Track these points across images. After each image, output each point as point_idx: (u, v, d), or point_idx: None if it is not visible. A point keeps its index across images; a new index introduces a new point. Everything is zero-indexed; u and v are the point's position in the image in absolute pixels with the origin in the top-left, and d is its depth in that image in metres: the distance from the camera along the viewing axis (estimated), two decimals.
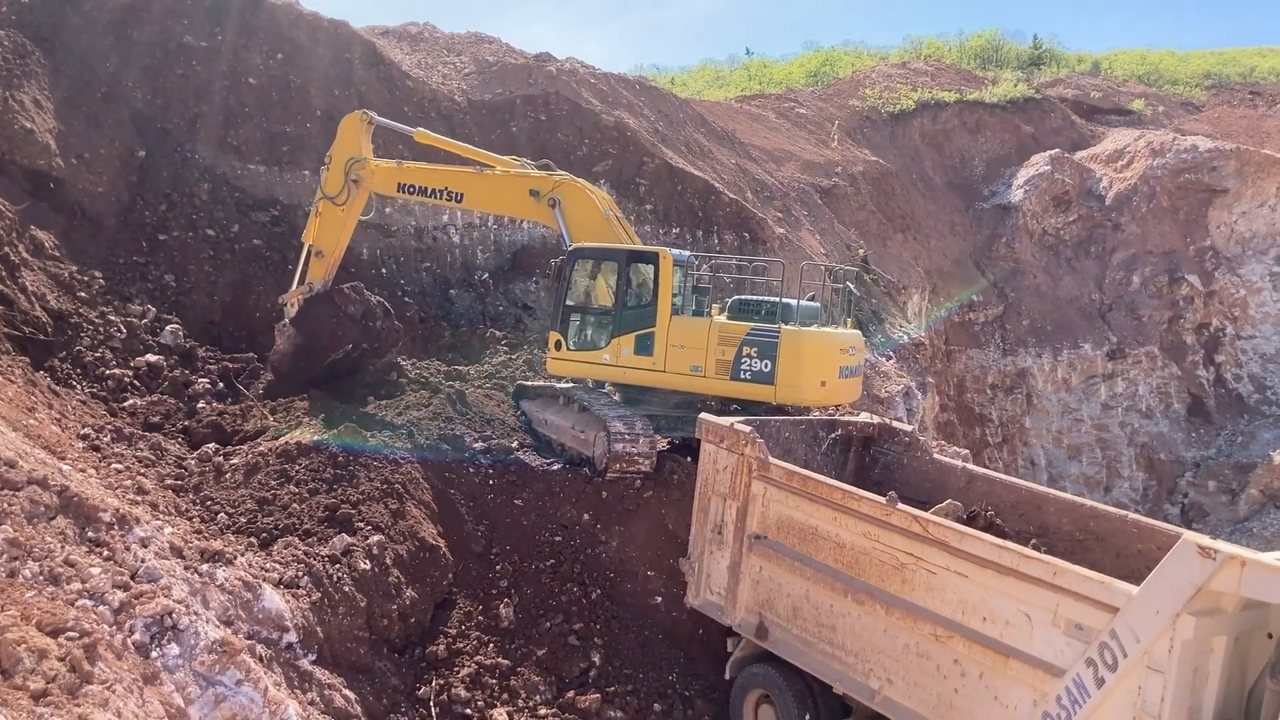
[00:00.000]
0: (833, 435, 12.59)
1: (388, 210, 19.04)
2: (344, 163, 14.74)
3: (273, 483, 10.85)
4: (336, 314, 14.81)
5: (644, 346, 13.29)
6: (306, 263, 15.15)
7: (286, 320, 15.02)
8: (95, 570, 7.12)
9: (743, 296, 14.31)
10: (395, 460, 11.77)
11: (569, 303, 14.01)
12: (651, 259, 13.43)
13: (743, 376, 12.80)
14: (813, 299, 14.45)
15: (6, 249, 12.57)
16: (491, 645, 10.70)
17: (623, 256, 13.63)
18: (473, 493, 12.45)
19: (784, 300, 13.21)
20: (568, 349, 13.90)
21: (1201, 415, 31.14)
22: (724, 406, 13.60)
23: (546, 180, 14.31)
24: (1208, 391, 31.33)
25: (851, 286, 14.61)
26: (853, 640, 9.05)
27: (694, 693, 11.09)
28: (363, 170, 14.76)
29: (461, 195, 14.83)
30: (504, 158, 15.35)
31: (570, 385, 14.62)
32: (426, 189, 14.91)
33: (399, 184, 15.03)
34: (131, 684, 6.33)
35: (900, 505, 8.69)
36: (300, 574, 9.48)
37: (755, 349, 12.69)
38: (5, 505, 7.09)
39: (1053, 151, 33.50)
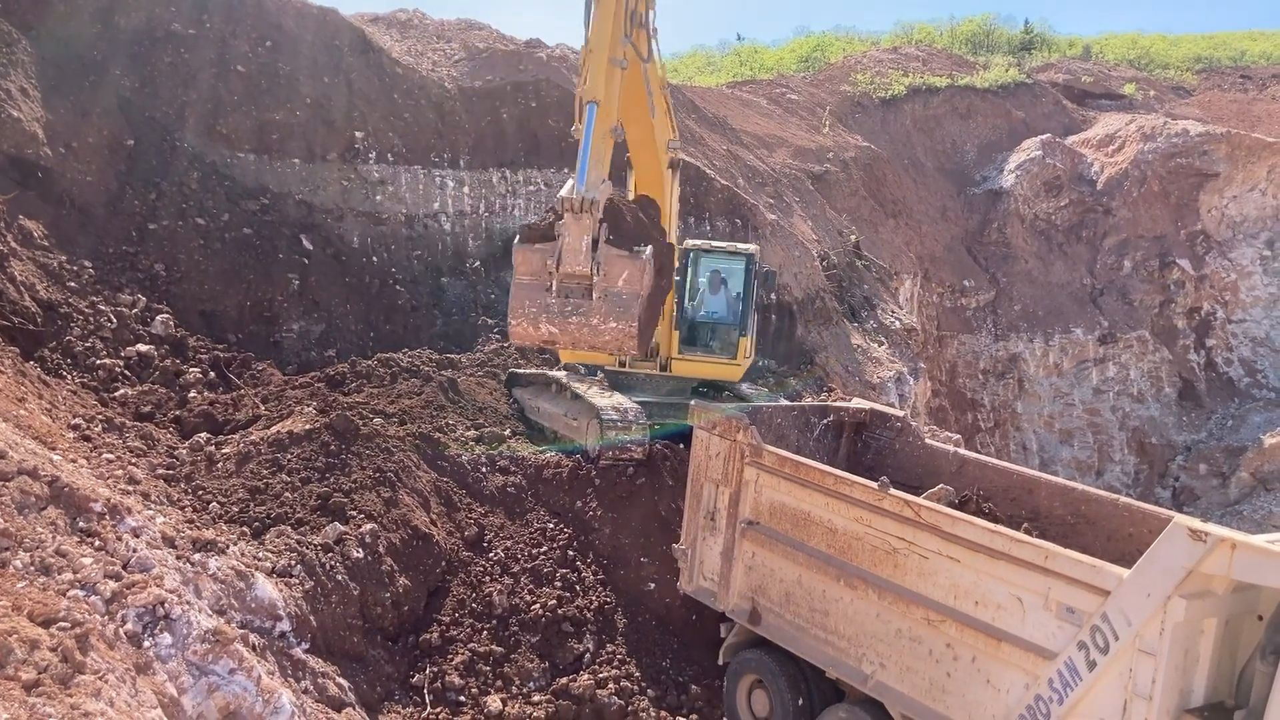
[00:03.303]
0: (824, 421, 12.60)
1: (378, 198, 18.94)
2: (624, 13, 9.43)
3: (265, 471, 10.82)
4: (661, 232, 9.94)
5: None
6: (596, 146, 9.36)
7: (648, 249, 9.41)
8: (87, 560, 7.10)
9: None
10: (388, 448, 11.75)
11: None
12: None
13: None
14: None
15: None
16: (485, 632, 10.71)
17: (757, 260, 14.72)
18: (465, 480, 12.45)
19: None
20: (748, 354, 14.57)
21: (1192, 399, 31.24)
22: (716, 393, 13.67)
23: (675, 135, 12.95)
24: (1198, 375, 31.43)
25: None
26: (845, 625, 9.08)
27: (687, 678, 11.13)
28: (643, 48, 9.67)
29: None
30: None
31: (562, 373, 14.61)
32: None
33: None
34: (124, 674, 6.32)
35: (892, 490, 8.71)
36: (293, 563, 9.48)
37: None
38: None
39: (1044, 136, 33.46)
